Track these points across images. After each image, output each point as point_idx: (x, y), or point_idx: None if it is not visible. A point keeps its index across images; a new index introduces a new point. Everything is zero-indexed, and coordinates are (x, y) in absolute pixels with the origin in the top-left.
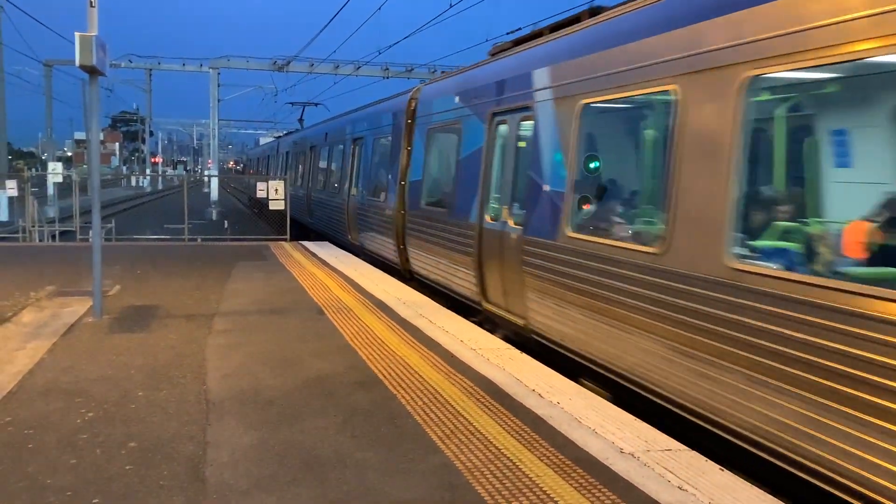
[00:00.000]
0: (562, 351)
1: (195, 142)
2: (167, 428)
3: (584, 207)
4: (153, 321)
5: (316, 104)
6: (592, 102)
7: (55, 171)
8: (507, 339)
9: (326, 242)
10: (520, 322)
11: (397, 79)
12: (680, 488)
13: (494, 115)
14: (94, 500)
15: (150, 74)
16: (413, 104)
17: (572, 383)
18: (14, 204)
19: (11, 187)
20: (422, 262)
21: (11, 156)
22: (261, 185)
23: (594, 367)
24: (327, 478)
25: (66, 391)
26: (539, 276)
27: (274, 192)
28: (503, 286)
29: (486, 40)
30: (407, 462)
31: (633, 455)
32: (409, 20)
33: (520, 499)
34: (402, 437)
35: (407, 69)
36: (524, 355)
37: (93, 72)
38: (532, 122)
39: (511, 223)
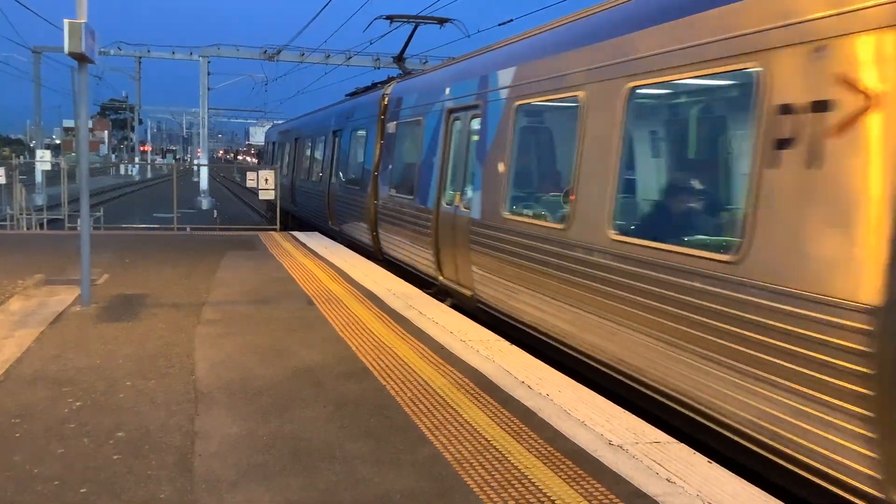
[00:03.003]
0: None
1: (184, 130)
2: (155, 418)
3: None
4: (142, 310)
5: (441, 22)
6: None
7: (43, 159)
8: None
9: (316, 233)
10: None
11: (388, 69)
12: (668, 480)
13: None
14: (82, 490)
15: (140, 62)
16: None
17: (562, 375)
18: (2, 191)
19: None
20: None
21: None
22: (251, 175)
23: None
24: (316, 468)
25: (53, 380)
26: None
27: (264, 182)
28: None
29: (478, 31)
30: (396, 453)
31: (621, 447)
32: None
33: (509, 490)
34: (392, 429)
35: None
36: (514, 347)
37: (82, 59)
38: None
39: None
